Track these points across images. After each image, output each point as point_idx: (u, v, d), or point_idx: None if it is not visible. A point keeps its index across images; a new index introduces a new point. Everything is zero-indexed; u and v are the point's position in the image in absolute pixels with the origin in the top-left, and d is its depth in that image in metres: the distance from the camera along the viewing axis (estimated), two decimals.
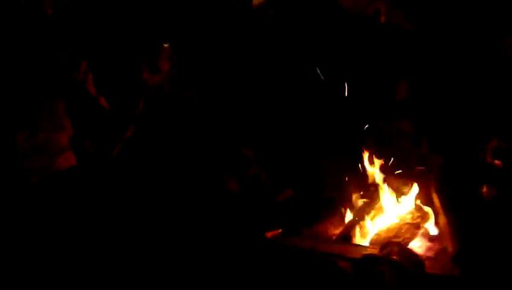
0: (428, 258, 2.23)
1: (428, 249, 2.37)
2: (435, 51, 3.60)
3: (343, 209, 2.68)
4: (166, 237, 2.23)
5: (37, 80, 1.90)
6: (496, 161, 2.38)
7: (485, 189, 2.38)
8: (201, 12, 3.33)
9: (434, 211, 2.50)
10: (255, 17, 3.99)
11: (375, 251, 1.98)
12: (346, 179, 2.83)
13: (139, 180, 2.38)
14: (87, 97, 1.99)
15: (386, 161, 2.85)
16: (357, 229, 2.51)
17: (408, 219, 2.49)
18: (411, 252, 1.89)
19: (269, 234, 2.49)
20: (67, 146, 1.92)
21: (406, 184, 2.69)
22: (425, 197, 2.62)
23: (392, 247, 1.84)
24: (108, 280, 1.78)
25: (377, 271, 1.64)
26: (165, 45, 2.30)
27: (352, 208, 2.66)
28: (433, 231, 2.48)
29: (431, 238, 2.44)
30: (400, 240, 2.33)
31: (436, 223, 2.47)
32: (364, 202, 2.67)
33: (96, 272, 1.74)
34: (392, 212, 2.58)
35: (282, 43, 3.75)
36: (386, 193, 2.66)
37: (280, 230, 2.54)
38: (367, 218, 2.56)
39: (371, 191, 2.71)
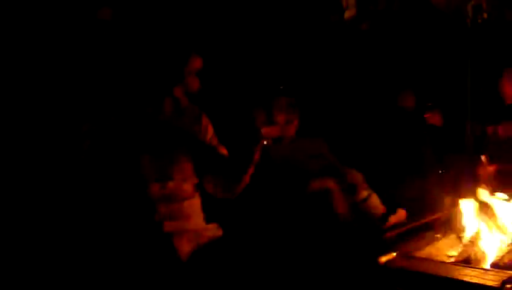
0: None
1: None
2: None
3: (459, 228, 2.66)
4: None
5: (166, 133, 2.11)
6: None
7: None
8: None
9: None
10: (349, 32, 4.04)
11: (491, 282, 1.96)
12: (461, 196, 2.78)
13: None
14: (208, 146, 2.18)
15: (502, 173, 2.76)
16: (476, 250, 2.47)
17: None
18: None
19: (383, 259, 2.54)
20: (192, 193, 2.13)
21: None
22: None
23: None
24: None
25: None
26: (282, 98, 2.41)
27: (469, 227, 2.62)
28: None
29: None
30: None
31: None
32: (480, 220, 2.61)
33: None
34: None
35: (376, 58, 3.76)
36: (503, 210, 2.58)
37: (394, 254, 2.57)
38: (486, 237, 2.51)
39: (486, 208, 2.65)
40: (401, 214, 2.94)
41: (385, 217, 2.89)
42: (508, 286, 1.85)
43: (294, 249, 2.54)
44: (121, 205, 1.99)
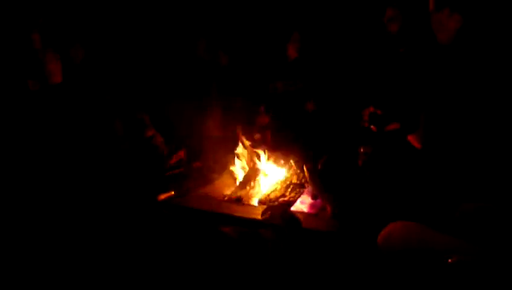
0: (311, 215, 2.40)
1: (312, 206, 2.51)
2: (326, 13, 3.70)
3: (234, 171, 2.80)
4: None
5: None
6: (372, 126, 2.58)
7: (361, 150, 2.58)
8: None
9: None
10: None
11: (257, 216, 2.11)
12: (238, 141, 2.92)
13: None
14: None
15: (274, 122, 2.96)
16: (248, 189, 2.63)
17: (294, 179, 2.64)
18: (289, 215, 2.02)
19: (161, 196, 2.54)
20: None
21: (291, 146, 2.83)
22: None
23: (272, 211, 1.97)
24: None
25: (257, 234, 1.75)
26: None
27: (243, 170, 2.78)
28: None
29: (314, 197, 2.62)
30: (286, 199, 2.48)
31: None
32: (254, 163, 2.79)
33: None
34: (280, 173, 2.72)
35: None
36: (273, 155, 2.79)
37: (172, 192, 2.59)
38: (257, 179, 2.69)
39: (259, 153, 2.83)
40: (181, 155, 2.96)
41: (168, 156, 2.88)
42: (267, 214, 1.99)
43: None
44: None
